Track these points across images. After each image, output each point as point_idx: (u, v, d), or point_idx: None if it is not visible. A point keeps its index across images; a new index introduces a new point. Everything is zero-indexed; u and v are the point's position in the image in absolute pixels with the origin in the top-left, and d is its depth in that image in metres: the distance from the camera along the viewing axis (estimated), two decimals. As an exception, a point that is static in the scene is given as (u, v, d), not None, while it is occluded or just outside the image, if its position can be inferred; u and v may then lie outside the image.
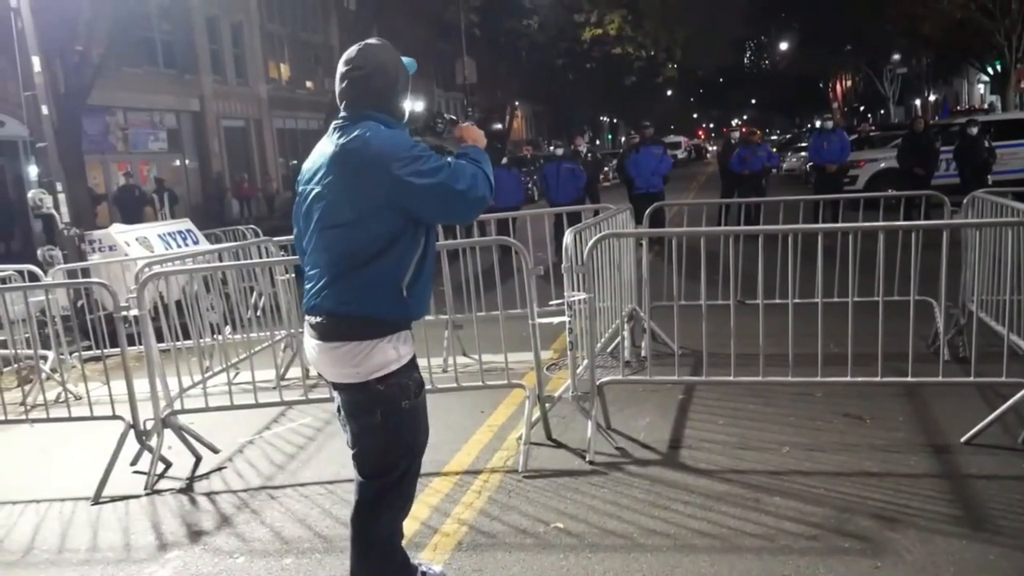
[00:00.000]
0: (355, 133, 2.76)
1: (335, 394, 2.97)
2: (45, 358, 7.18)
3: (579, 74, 42.10)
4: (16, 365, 6.92)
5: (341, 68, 2.87)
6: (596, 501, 4.13)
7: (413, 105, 3.03)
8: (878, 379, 4.66)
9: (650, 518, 3.91)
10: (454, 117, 3.14)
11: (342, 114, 2.86)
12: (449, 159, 2.85)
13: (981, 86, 43.90)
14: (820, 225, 5.79)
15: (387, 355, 2.80)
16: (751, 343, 4.83)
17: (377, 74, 2.84)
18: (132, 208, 19.69)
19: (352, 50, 2.87)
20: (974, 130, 14.02)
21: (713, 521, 3.83)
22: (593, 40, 33.13)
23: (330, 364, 2.85)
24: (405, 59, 2.94)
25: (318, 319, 2.83)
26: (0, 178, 20.65)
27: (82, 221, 12.73)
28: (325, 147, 2.85)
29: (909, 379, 4.73)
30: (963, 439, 4.50)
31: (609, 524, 3.88)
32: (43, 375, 6.64)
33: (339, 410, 2.99)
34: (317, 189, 2.82)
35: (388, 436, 2.88)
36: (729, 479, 4.28)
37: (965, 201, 6.52)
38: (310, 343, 2.90)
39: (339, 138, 2.79)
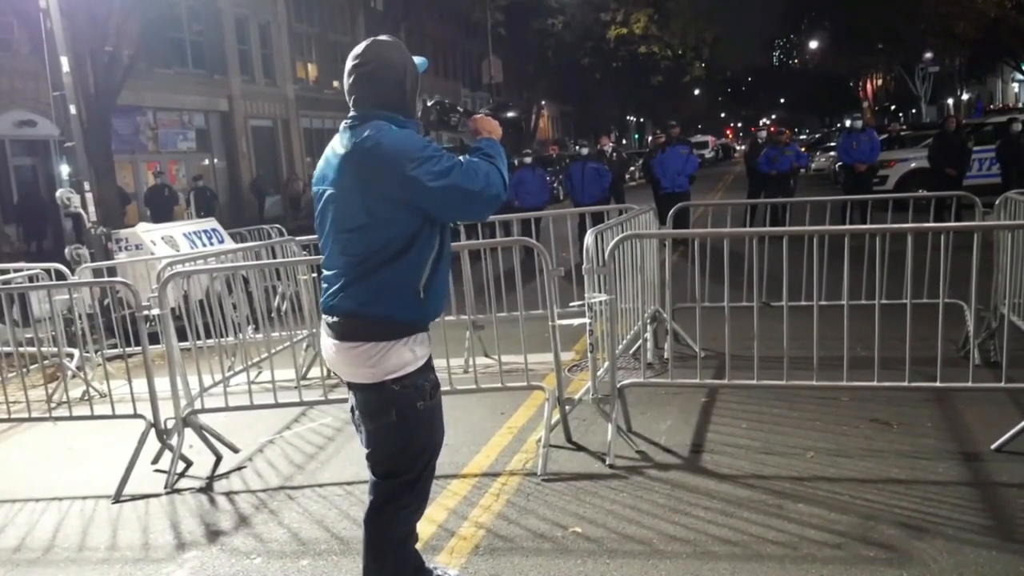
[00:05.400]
0: (366, 133, 2.72)
1: (350, 394, 2.96)
2: (72, 356, 7.26)
3: (606, 73, 41.95)
4: (42, 363, 6.98)
5: (348, 64, 2.83)
6: (615, 506, 4.07)
7: (423, 100, 2.97)
8: (906, 384, 4.56)
9: (670, 524, 3.85)
10: (468, 109, 3.06)
11: (351, 113, 2.82)
12: (461, 158, 2.81)
13: (1015, 85, 43.21)
14: (847, 226, 5.69)
15: (404, 356, 2.78)
16: (776, 346, 4.76)
17: (383, 71, 2.79)
18: (162, 207, 19.88)
19: (360, 46, 2.83)
20: (1018, 127, 13.68)
21: (735, 528, 3.76)
22: (619, 39, 32.98)
23: (346, 364, 2.84)
24: (417, 58, 2.90)
25: (335, 319, 2.82)
26: (32, 177, 20.94)
27: (111, 220, 12.91)
28: (336, 147, 2.81)
29: (938, 384, 4.62)
30: (993, 446, 4.39)
31: (628, 529, 3.82)
32: (69, 373, 6.71)
33: (353, 410, 2.98)
34: (330, 191, 2.80)
35: (403, 437, 2.86)
36: (752, 484, 4.20)
37: (998, 202, 6.39)
38: (327, 342, 2.89)
39: (350, 139, 2.75)
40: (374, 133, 2.71)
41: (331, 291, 2.83)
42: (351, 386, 2.92)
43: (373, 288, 2.75)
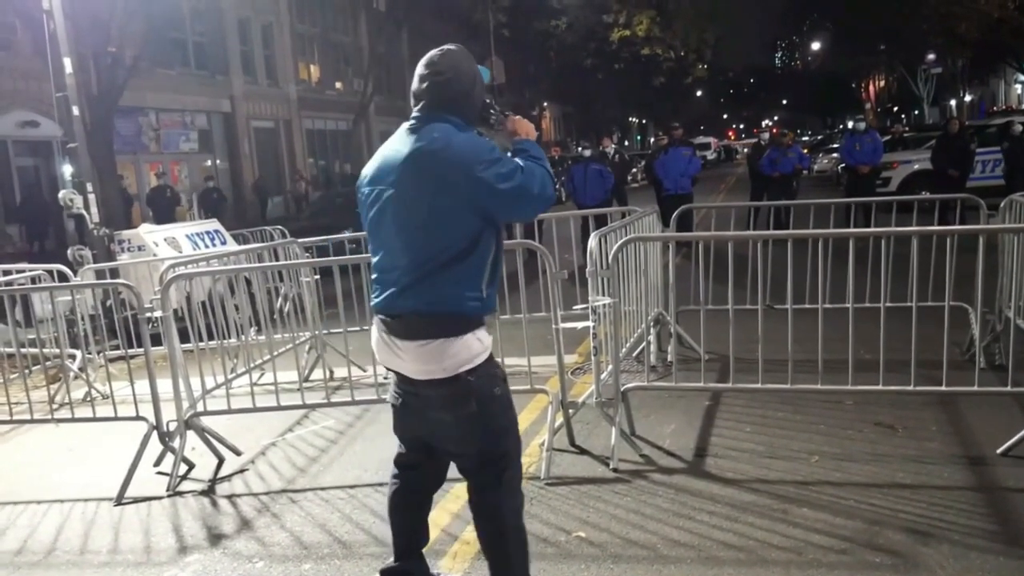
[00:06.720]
0: (434, 135, 2.80)
1: (394, 386, 3.01)
2: (74, 357, 7.25)
3: (608, 75, 41.96)
4: (44, 364, 6.97)
5: (421, 70, 2.92)
6: (619, 510, 4.06)
7: None
8: (911, 388, 4.55)
9: (674, 528, 3.83)
10: (504, 111, 3.11)
11: (415, 114, 2.90)
12: (518, 160, 2.89)
13: (1018, 86, 43.17)
14: (851, 229, 5.67)
15: (473, 348, 2.85)
16: (780, 349, 4.74)
17: (456, 80, 2.90)
18: (164, 208, 19.87)
19: (434, 54, 2.93)
20: (1018, 128, 13.64)
21: (739, 532, 3.75)
22: (622, 41, 32.97)
23: (416, 361, 2.87)
24: (480, 67, 3.02)
25: (396, 318, 2.87)
26: (35, 178, 20.93)
27: (113, 221, 12.91)
28: (398, 147, 2.87)
29: (943, 388, 4.60)
30: (999, 450, 4.37)
31: (632, 534, 3.81)
32: (71, 374, 6.70)
33: (398, 397, 3.01)
34: (391, 191, 2.85)
35: (486, 423, 2.92)
36: (756, 489, 4.18)
37: (1002, 205, 6.36)
38: (387, 341, 2.91)
39: (416, 140, 2.83)
40: (441, 135, 2.80)
41: (392, 290, 2.88)
42: (417, 383, 2.92)
43: (441, 286, 2.81)
